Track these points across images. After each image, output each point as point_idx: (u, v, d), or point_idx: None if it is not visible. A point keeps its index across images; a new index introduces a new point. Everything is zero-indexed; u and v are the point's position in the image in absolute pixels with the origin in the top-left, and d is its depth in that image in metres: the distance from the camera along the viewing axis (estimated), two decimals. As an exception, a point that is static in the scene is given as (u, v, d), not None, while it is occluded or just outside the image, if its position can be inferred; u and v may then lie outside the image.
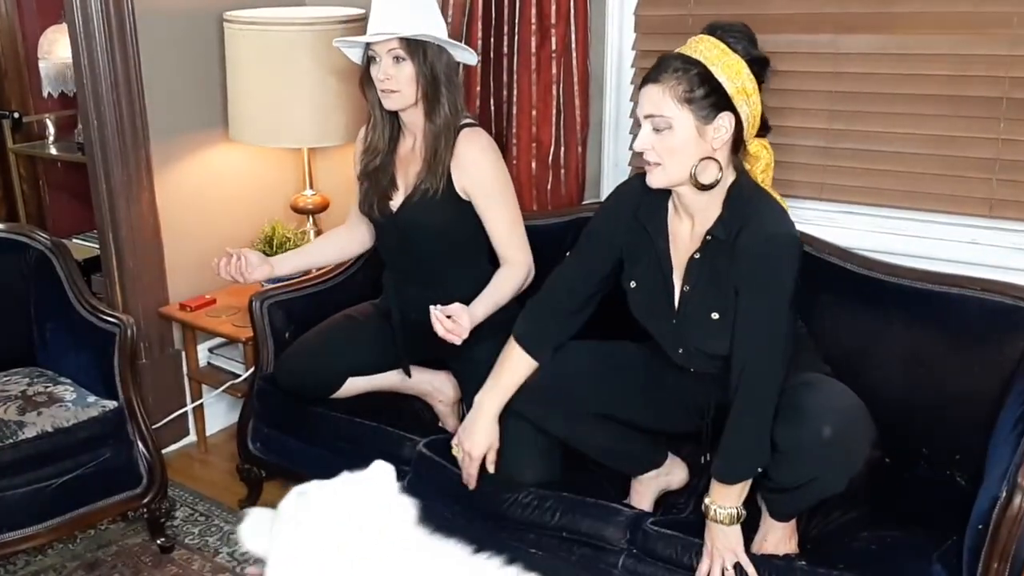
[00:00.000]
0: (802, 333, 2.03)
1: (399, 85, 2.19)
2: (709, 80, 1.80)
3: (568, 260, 2.10)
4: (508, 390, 2.02)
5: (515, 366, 2.03)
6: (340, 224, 3.04)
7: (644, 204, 1.98)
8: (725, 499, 1.84)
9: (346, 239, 2.55)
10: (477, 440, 2.02)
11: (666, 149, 1.82)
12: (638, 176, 2.07)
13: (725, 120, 1.82)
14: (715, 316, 1.89)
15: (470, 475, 2.05)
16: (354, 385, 2.41)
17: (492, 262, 2.34)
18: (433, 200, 2.24)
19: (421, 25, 2.17)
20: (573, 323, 2.06)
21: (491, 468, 2.05)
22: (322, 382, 2.40)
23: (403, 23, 2.15)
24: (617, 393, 2.03)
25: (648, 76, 1.84)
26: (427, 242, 2.31)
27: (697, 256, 1.91)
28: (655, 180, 1.87)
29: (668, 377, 2.04)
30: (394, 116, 2.29)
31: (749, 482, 1.84)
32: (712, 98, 1.80)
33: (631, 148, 2.68)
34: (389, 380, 2.45)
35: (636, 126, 1.91)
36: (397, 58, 2.18)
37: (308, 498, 1.20)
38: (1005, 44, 2.12)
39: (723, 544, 1.85)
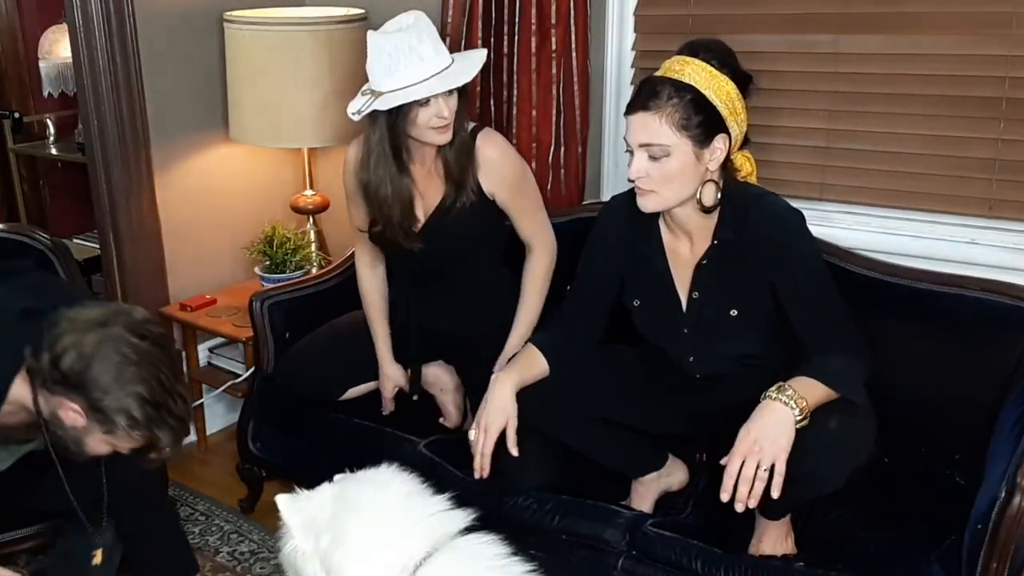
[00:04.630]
0: None
1: (451, 118, 2.12)
2: (704, 106, 1.80)
3: (574, 286, 2.11)
4: (526, 374, 1.99)
5: (533, 359, 2.02)
6: (337, 222, 3.05)
7: (634, 227, 1.99)
8: (807, 393, 1.70)
9: (379, 278, 2.45)
10: (494, 414, 1.93)
11: (663, 176, 1.81)
12: (618, 199, 2.08)
13: (720, 142, 1.84)
14: (734, 313, 1.91)
15: (484, 454, 1.93)
16: (356, 388, 2.43)
17: (504, 262, 2.36)
18: (468, 211, 2.21)
19: (462, 58, 2.15)
20: (589, 340, 2.08)
21: (512, 448, 1.94)
22: (324, 390, 2.41)
23: (454, 65, 2.10)
24: (617, 397, 2.04)
25: (638, 103, 1.82)
26: (457, 254, 2.28)
27: (705, 262, 1.92)
28: (650, 205, 1.86)
29: (669, 381, 2.05)
30: (398, 148, 2.17)
31: (831, 393, 1.73)
32: (708, 124, 1.81)
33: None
34: None
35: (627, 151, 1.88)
36: (449, 92, 2.11)
37: None
38: (1005, 44, 2.12)
39: (772, 434, 1.67)
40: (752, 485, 1.68)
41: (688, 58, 1.86)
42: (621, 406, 2.04)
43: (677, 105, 1.79)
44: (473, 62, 2.15)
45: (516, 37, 2.58)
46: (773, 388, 1.73)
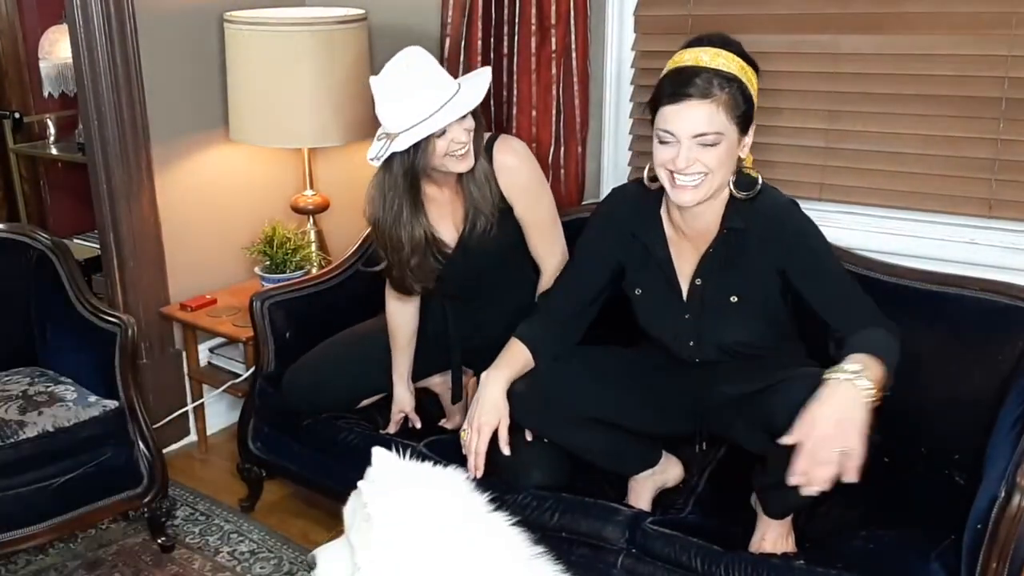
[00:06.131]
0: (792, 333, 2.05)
1: (470, 142, 2.09)
2: (747, 96, 1.81)
3: (565, 272, 2.12)
4: (515, 370, 2.01)
5: (521, 353, 2.03)
6: (337, 222, 3.04)
7: (637, 217, 1.99)
8: (871, 372, 1.67)
9: (410, 311, 2.38)
10: (486, 413, 1.96)
11: (713, 163, 1.79)
12: (622, 189, 2.08)
13: (751, 131, 1.85)
14: (734, 299, 1.92)
15: (478, 453, 1.95)
16: (366, 400, 2.45)
17: (532, 266, 2.34)
18: (492, 228, 2.19)
19: (470, 81, 2.11)
20: (576, 331, 2.08)
21: (504, 448, 1.97)
22: (333, 406, 2.41)
23: (462, 90, 2.06)
24: (610, 397, 2.04)
25: (688, 92, 1.76)
26: (491, 265, 2.26)
27: (711, 250, 1.93)
28: (691, 198, 1.82)
29: (663, 378, 2.06)
30: (412, 177, 2.12)
31: (885, 370, 1.72)
32: (748, 113, 1.82)
33: (630, 148, 2.70)
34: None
35: (661, 143, 1.82)
36: (463, 120, 2.07)
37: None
38: (1005, 44, 2.12)
39: (850, 415, 1.62)
40: (828, 469, 1.61)
41: (719, 49, 1.83)
42: (613, 407, 2.04)
43: (729, 93, 1.78)
44: (480, 82, 2.11)
45: (516, 37, 2.58)
46: (837, 369, 1.68)
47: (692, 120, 1.77)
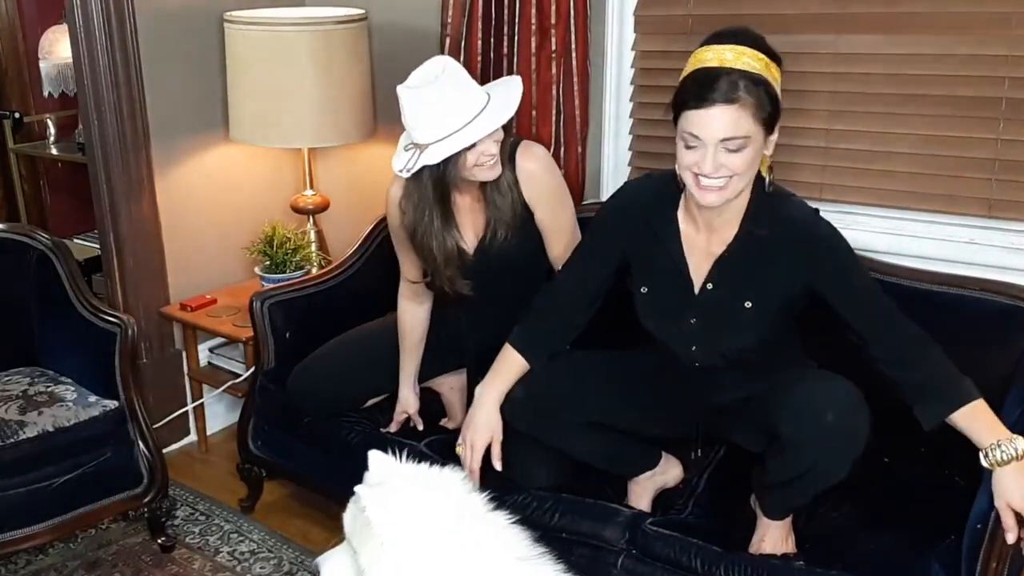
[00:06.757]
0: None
1: (499, 152, 2.08)
2: (773, 96, 1.77)
3: (570, 264, 2.09)
4: (508, 382, 2.01)
5: (513, 362, 2.02)
6: (337, 222, 3.04)
7: (653, 213, 1.96)
8: (1001, 427, 1.73)
9: (422, 313, 2.38)
10: (479, 430, 1.98)
11: (740, 167, 1.75)
12: (640, 181, 2.06)
13: (776, 131, 1.81)
14: (748, 305, 1.88)
15: (472, 471, 1.97)
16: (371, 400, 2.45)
17: (550, 271, 2.32)
18: (512, 234, 2.19)
19: (500, 90, 2.09)
20: (573, 328, 2.06)
21: (497, 463, 1.98)
22: (339, 406, 2.41)
23: (492, 101, 2.04)
24: (608, 401, 2.03)
25: (715, 96, 1.71)
26: (510, 271, 2.25)
27: (727, 255, 1.89)
28: (717, 199, 1.79)
29: (662, 381, 2.05)
30: (443, 188, 2.12)
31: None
32: (775, 112, 1.77)
33: (630, 148, 2.70)
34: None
35: (687, 147, 1.78)
36: (493, 132, 2.05)
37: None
38: (1005, 44, 2.12)
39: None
40: None
41: (743, 47, 1.77)
42: (611, 410, 2.04)
43: (755, 96, 1.73)
44: (510, 91, 2.08)
45: (516, 37, 2.58)
46: (999, 452, 1.70)
47: (718, 125, 1.72)
